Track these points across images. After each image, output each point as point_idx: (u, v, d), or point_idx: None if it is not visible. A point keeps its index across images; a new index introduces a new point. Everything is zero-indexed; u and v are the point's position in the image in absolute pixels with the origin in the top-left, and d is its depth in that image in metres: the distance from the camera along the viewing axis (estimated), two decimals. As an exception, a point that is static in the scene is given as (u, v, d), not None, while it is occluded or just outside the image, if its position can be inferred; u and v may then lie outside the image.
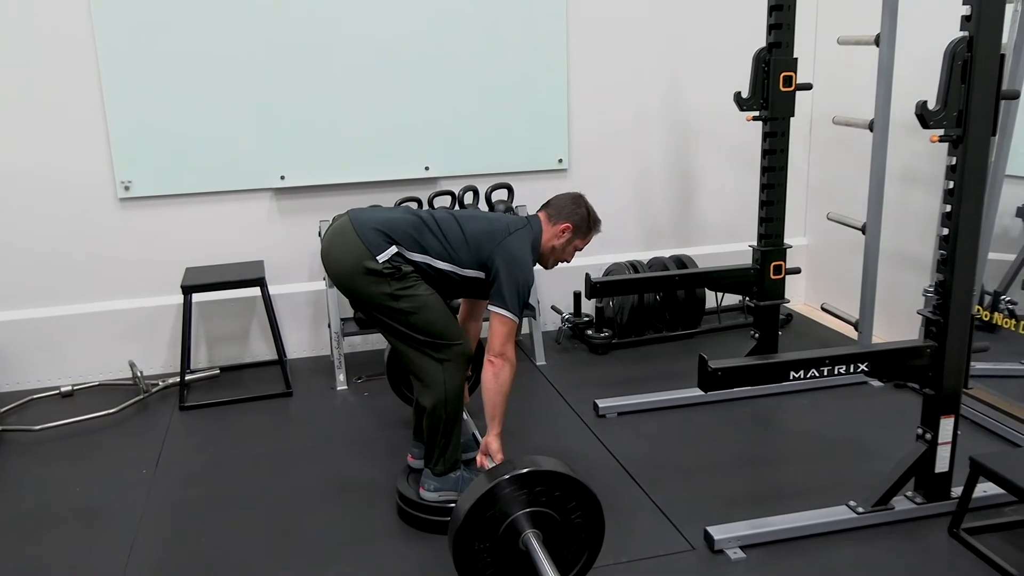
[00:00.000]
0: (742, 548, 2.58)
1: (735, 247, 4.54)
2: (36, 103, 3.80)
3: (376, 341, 4.34)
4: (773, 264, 3.71)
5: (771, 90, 3.51)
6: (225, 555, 2.67)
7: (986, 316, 3.48)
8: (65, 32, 3.76)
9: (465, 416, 2.89)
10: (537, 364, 4.16)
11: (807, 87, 3.66)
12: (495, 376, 2.58)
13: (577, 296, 4.38)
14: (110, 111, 3.86)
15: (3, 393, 3.97)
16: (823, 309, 3.81)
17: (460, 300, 3.00)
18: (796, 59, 3.51)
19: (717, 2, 4.48)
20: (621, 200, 4.59)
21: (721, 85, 3.90)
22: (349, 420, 3.64)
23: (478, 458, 2.68)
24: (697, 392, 2.98)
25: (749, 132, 3.81)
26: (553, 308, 4.49)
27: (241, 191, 4.11)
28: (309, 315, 4.33)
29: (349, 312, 4.06)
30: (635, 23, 4.40)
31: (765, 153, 3.63)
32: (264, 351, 4.27)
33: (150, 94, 3.87)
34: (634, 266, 4.41)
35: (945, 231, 2.55)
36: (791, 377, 2.57)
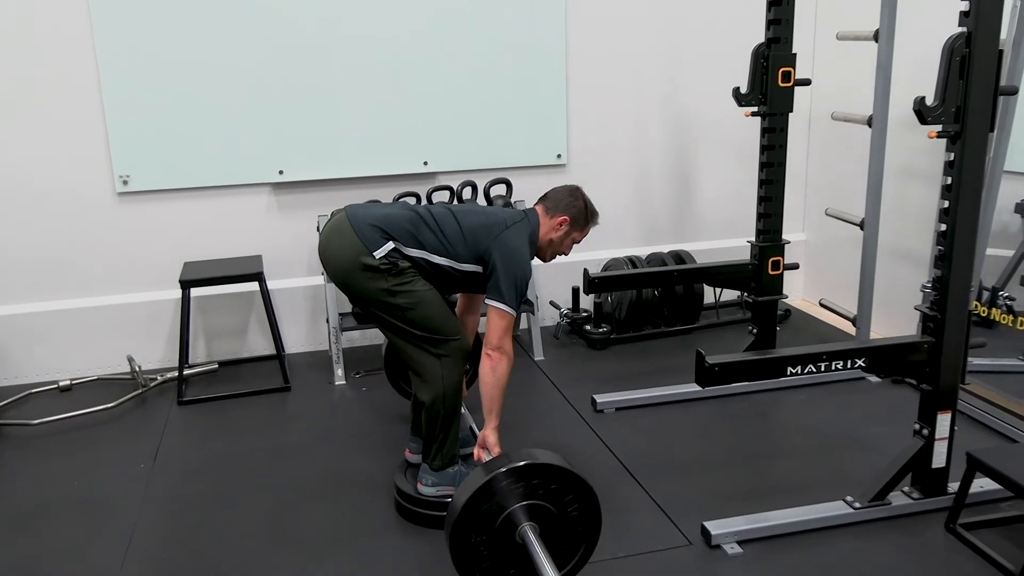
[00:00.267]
0: (739, 543, 2.58)
1: (733, 243, 4.54)
2: (34, 98, 3.79)
3: (374, 336, 4.34)
4: (771, 260, 3.71)
5: (770, 86, 3.51)
6: (223, 549, 2.67)
7: (984, 312, 3.49)
8: (64, 27, 3.75)
9: (463, 410, 2.89)
10: (535, 359, 4.16)
11: (806, 83, 3.65)
12: (492, 370, 2.58)
13: (575, 291, 4.38)
14: (109, 105, 3.85)
15: (1, 387, 3.97)
16: (821, 305, 3.82)
17: (458, 295, 3.00)
18: (795, 55, 3.51)
19: (716, 2, 4.47)
20: (620, 195, 4.59)
21: (720, 82, 3.90)
22: (347, 415, 3.64)
23: (475, 451, 2.69)
24: (695, 388, 2.98)
25: (748, 128, 3.80)
26: (551, 303, 4.49)
27: (240, 185, 4.11)
28: (307, 310, 4.33)
29: (347, 307, 4.05)
30: (634, 23, 4.40)
31: (763, 149, 3.63)
32: (262, 346, 4.28)
33: (149, 88, 3.87)
34: (632, 261, 4.41)
35: (943, 227, 2.55)
36: (789, 373, 2.57)
